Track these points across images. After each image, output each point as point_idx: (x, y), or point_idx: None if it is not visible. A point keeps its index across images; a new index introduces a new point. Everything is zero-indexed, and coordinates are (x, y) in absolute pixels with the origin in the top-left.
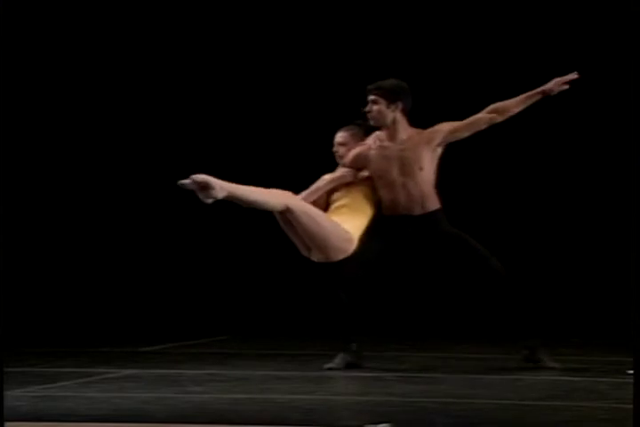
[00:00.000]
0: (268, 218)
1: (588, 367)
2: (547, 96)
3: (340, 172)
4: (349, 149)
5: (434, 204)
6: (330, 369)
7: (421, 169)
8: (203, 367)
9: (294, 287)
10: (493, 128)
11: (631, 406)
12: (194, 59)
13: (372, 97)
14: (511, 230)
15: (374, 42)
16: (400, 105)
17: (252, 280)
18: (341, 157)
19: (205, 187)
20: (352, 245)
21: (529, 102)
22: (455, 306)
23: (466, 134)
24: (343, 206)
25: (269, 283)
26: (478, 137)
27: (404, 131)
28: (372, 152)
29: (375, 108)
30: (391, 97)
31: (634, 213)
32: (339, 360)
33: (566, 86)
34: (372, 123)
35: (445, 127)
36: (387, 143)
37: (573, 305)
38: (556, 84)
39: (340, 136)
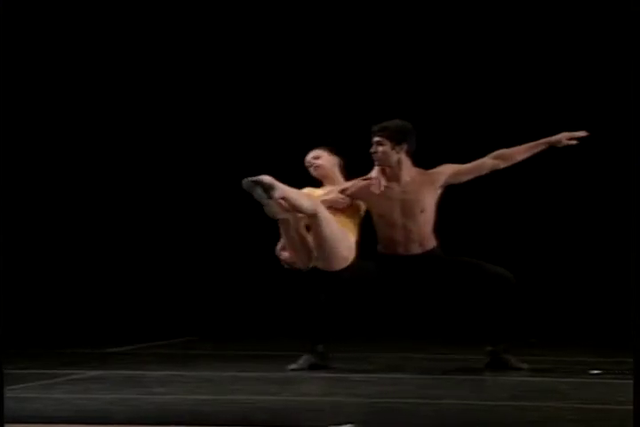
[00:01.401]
0: (239, 220)
1: (552, 368)
2: (553, 148)
3: (334, 195)
4: (323, 162)
5: (432, 242)
6: (293, 370)
7: (423, 211)
8: (168, 368)
9: (259, 289)
10: (493, 130)
11: (597, 406)
12: (195, 61)
13: (377, 138)
14: (506, 231)
15: (382, 76)
16: (405, 146)
17: (217, 281)
18: (317, 167)
19: (269, 188)
20: (353, 254)
21: (534, 151)
22: (423, 306)
23: (468, 178)
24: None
25: (234, 284)
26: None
27: (408, 172)
28: (375, 190)
29: (380, 149)
30: (396, 138)
31: (634, 214)
32: (302, 361)
33: (574, 142)
34: (376, 164)
35: (448, 170)
36: (389, 184)
37: (543, 305)
38: (563, 138)
39: (313, 153)
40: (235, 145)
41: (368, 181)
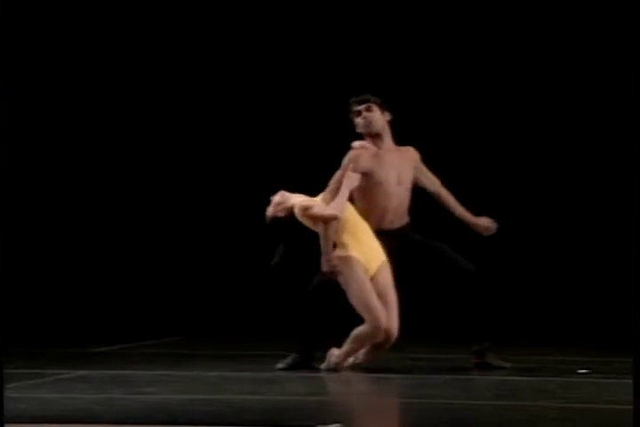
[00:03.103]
0: (230, 220)
1: (538, 367)
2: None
3: (352, 178)
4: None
5: (407, 218)
6: (281, 370)
7: (410, 181)
8: (155, 368)
9: (247, 288)
10: (495, 125)
11: (584, 405)
12: (196, 61)
13: (364, 105)
14: (505, 230)
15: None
16: (388, 115)
17: (205, 281)
18: (283, 210)
19: None
20: None
21: (461, 217)
22: (407, 305)
23: (420, 180)
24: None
25: (223, 284)
26: (478, 136)
27: (390, 141)
28: (374, 159)
29: (369, 114)
30: (382, 106)
31: (634, 214)
32: (290, 361)
33: (491, 232)
34: (362, 130)
35: (417, 156)
36: (381, 152)
37: (534, 305)
38: (484, 224)
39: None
40: (229, 147)
41: (363, 149)
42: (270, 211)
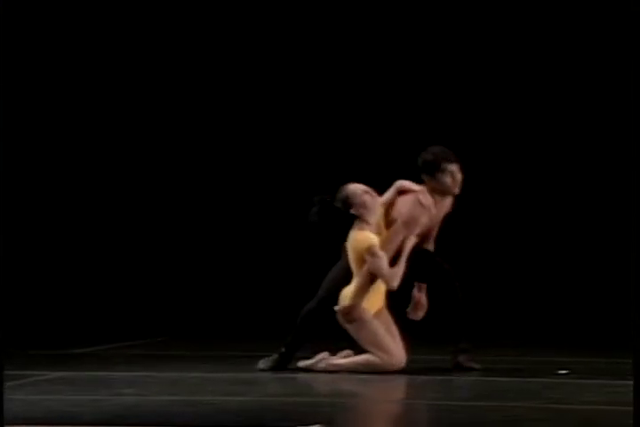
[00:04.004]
0: (216, 220)
1: (521, 367)
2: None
3: (412, 243)
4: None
5: None
6: (262, 371)
7: None
8: (135, 369)
9: (229, 289)
10: (494, 125)
11: (563, 406)
12: (196, 61)
13: (457, 165)
14: (502, 230)
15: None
16: None
17: (186, 282)
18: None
19: None
20: None
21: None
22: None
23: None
24: None
25: (204, 284)
26: (477, 136)
27: None
28: (428, 215)
29: (461, 176)
30: None
31: (633, 214)
32: (270, 362)
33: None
34: (445, 191)
35: None
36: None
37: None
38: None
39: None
40: (220, 153)
41: (428, 205)
42: (353, 194)
